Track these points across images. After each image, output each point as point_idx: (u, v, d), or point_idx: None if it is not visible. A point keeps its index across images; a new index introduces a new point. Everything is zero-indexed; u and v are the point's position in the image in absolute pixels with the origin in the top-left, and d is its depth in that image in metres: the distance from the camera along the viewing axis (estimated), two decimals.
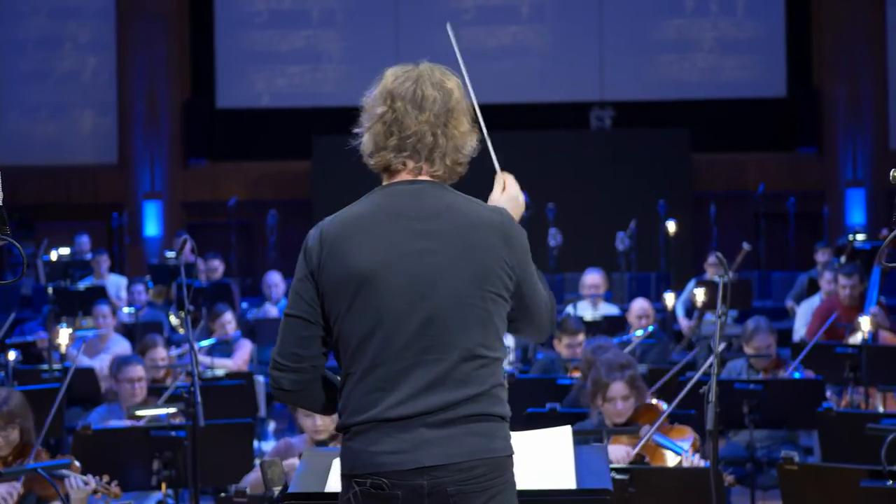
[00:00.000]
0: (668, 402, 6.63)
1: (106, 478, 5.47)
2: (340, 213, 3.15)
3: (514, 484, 3.08)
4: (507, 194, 3.30)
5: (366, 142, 3.20)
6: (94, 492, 5.46)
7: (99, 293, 11.41)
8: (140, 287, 11.99)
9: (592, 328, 9.27)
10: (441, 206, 3.09)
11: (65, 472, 5.34)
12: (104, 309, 9.68)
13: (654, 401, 6.36)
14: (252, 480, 5.67)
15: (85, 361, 8.84)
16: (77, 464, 5.52)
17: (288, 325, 3.11)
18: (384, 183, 3.18)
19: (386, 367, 3.00)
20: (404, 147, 3.11)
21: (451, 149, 3.12)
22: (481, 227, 3.08)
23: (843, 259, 12.53)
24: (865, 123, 17.81)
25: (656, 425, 5.77)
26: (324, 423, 5.68)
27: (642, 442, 5.76)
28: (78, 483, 5.34)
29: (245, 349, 9.92)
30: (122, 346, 9.44)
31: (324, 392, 3.15)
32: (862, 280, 9.74)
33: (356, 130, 3.22)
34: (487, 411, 3.03)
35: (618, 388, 6.03)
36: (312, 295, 3.08)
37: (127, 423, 6.44)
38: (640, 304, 9.61)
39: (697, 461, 5.73)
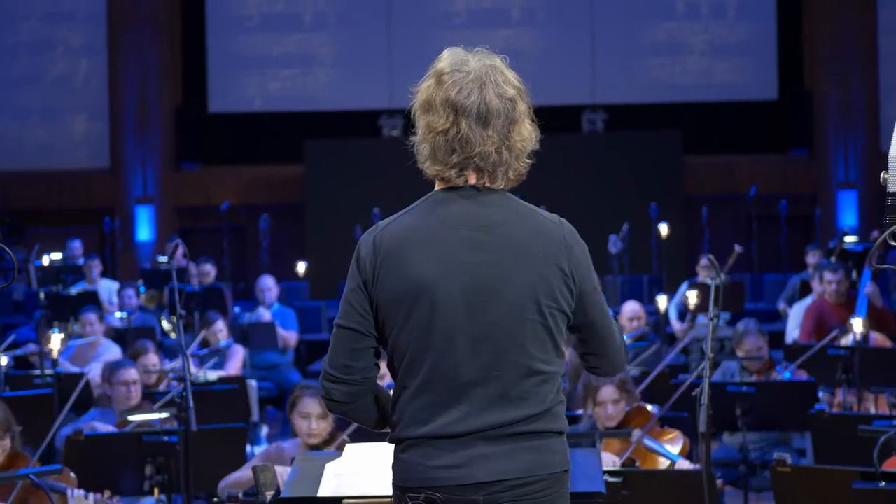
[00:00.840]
0: (661, 404, 6.65)
1: (107, 493, 5.46)
2: (396, 220, 3.02)
3: (568, 498, 3.03)
4: None
5: (424, 151, 3.00)
6: None
7: (91, 298, 11.39)
8: (131, 291, 11.98)
9: None
10: (501, 216, 3.00)
11: (63, 485, 5.33)
12: (91, 316, 9.65)
13: (649, 407, 6.37)
14: (235, 479, 5.66)
15: (72, 370, 8.83)
16: (72, 475, 5.51)
17: (340, 336, 2.99)
18: (439, 187, 3.05)
19: (443, 383, 2.92)
20: (468, 165, 2.97)
21: (514, 159, 3.02)
22: (542, 238, 3.00)
23: (833, 261, 12.55)
24: (857, 125, 17.84)
25: (646, 428, 5.78)
26: (319, 427, 5.68)
27: (631, 447, 5.76)
28: (78, 494, 5.33)
29: (237, 357, 9.91)
30: (112, 353, 9.42)
31: (376, 407, 3.06)
32: (847, 276, 9.78)
33: (411, 138, 3.05)
34: (546, 429, 2.97)
35: (608, 391, 6.04)
36: (366, 306, 2.97)
37: (108, 429, 6.42)
38: (631, 307, 9.62)
39: (688, 466, 5.73)
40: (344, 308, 3.00)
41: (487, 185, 3.01)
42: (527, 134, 3.06)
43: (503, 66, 3.10)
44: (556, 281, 2.97)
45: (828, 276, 9.71)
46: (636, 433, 5.89)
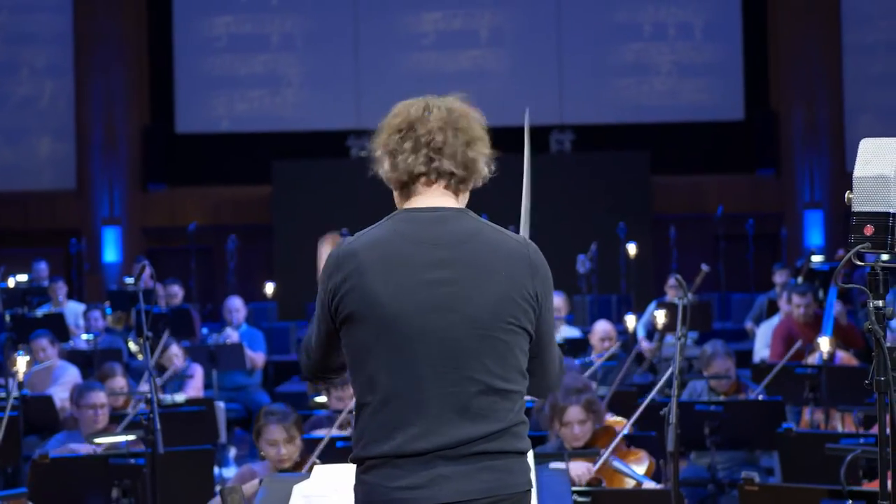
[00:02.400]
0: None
1: None
2: (362, 236, 3.05)
3: None
4: None
5: (383, 161, 3.09)
6: None
7: (57, 320, 11.31)
8: (97, 313, 11.90)
9: None
10: (465, 234, 3.04)
11: None
12: (43, 342, 9.51)
13: (616, 418, 6.38)
14: None
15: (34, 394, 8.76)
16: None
17: (315, 336, 3.11)
18: (405, 206, 3.09)
19: (402, 400, 2.93)
20: (419, 146, 3.03)
21: (461, 151, 3.09)
22: (506, 258, 3.03)
23: (800, 280, 12.63)
24: (822, 146, 17.96)
25: (612, 446, 5.77)
26: (287, 452, 5.65)
27: (599, 462, 5.76)
28: None
29: (197, 376, 9.85)
30: (70, 374, 9.33)
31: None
32: (815, 298, 9.85)
33: (377, 169, 3.12)
34: (507, 448, 2.97)
35: (574, 412, 6.03)
36: (329, 320, 3.04)
37: (83, 448, 6.37)
38: (602, 327, 9.63)
39: (654, 487, 5.74)
40: (316, 314, 3.09)
41: (440, 176, 3.06)
42: (474, 136, 3.16)
43: (457, 100, 3.22)
44: (519, 300, 3.00)
45: (796, 299, 9.77)
46: (604, 454, 5.89)
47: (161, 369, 9.67)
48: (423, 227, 3.02)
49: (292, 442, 5.67)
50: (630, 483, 5.76)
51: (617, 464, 5.79)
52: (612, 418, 6.54)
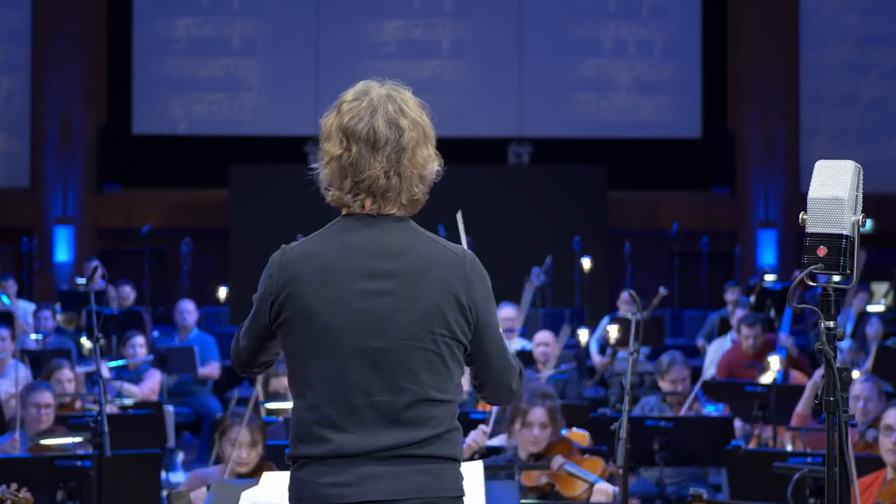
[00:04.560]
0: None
1: (14, 485, 5.36)
2: (302, 243, 3.10)
3: None
4: None
5: (324, 178, 3.12)
6: (3, 500, 5.35)
7: (6, 319, 11.18)
8: (47, 313, 11.78)
9: None
10: (402, 244, 3.05)
11: None
12: (3, 332, 9.48)
13: (574, 429, 6.41)
14: None
15: None
16: None
17: (249, 331, 3.16)
18: (345, 213, 3.12)
19: (335, 407, 2.98)
20: (359, 190, 3.05)
21: (406, 188, 3.06)
22: (440, 268, 3.04)
23: (752, 299, 12.71)
24: (777, 165, 18.11)
25: (561, 461, 5.80)
26: (248, 457, 5.62)
27: (557, 466, 5.78)
28: None
29: (154, 379, 9.78)
30: (22, 373, 9.24)
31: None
32: (764, 329, 9.90)
33: (314, 165, 3.15)
34: (438, 454, 3.01)
35: (538, 413, 6.06)
36: (266, 318, 3.10)
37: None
38: (542, 335, 9.65)
39: (608, 487, 5.77)
40: (253, 310, 3.14)
41: (381, 211, 3.05)
42: (421, 161, 3.08)
43: (406, 97, 3.16)
44: (452, 311, 3.02)
45: (745, 330, 9.83)
46: (557, 459, 5.92)
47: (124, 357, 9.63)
48: (361, 237, 3.05)
49: (254, 447, 5.64)
50: (583, 486, 5.79)
51: (569, 467, 5.82)
52: (576, 431, 6.59)
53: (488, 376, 3.14)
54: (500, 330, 3.16)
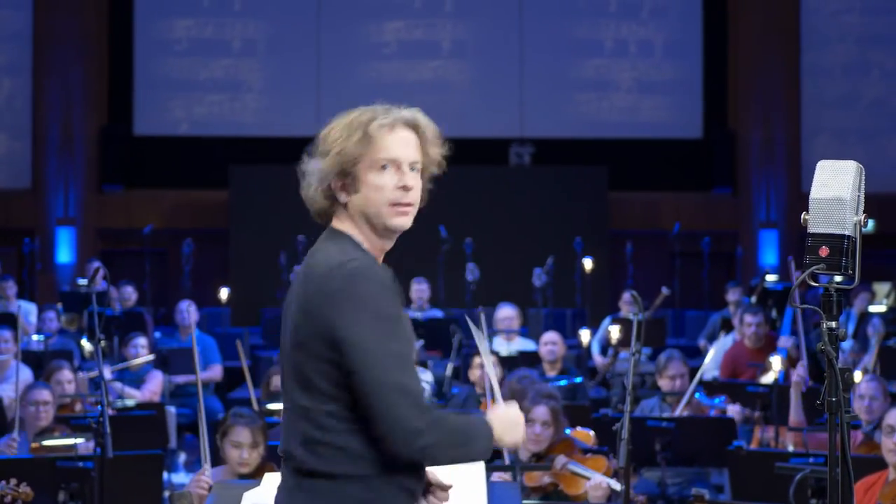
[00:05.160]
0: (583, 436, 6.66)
1: (13, 480, 5.36)
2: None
3: None
4: (507, 416, 3.10)
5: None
6: (3, 495, 5.36)
7: (7, 319, 11.18)
8: (52, 314, 11.78)
9: (507, 363, 9.28)
10: (312, 255, 3.05)
11: None
12: (6, 334, 9.48)
13: (579, 428, 6.41)
14: None
15: None
16: None
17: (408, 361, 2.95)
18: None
19: None
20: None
21: (307, 191, 3.09)
22: (311, 281, 2.97)
23: (753, 299, 12.70)
24: (779, 166, 18.11)
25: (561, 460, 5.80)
26: (250, 457, 5.59)
27: (560, 465, 5.79)
28: None
29: (156, 381, 9.78)
30: (23, 375, 9.24)
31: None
32: (767, 320, 9.89)
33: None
34: (305, 468, 2.96)
35: (540, 411, 6.08)
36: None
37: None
38: (549, 336, 9.65)
39: (604, 482, 5.78)
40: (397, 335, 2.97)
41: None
42: (311, 168, 3.10)
43: (347, 114, 3.12)
44: (308, 323, 2.94)
45: (748, 318, 9.81)
46: (560, 458, 5.92)
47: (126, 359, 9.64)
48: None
49: (256, 448, 5.62)
50: (586, 484, 5.79)
51: (572, 466, 5.82)
52: (581, 430, 6.59)
53: (369, 407, 2.88)
54: (385, 356, 2.87)
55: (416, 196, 3.06)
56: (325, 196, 3.06)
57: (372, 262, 2.99)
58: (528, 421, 6.08)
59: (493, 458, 6.08)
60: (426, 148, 3.12)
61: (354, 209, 3.04)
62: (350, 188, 3.04)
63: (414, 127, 3.12)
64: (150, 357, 9.86)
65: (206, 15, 18.62)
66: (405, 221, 3.05)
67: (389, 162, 3.03)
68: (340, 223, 3.06)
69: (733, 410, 7.90)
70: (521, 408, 6.13)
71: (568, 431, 6.44)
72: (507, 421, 3.08)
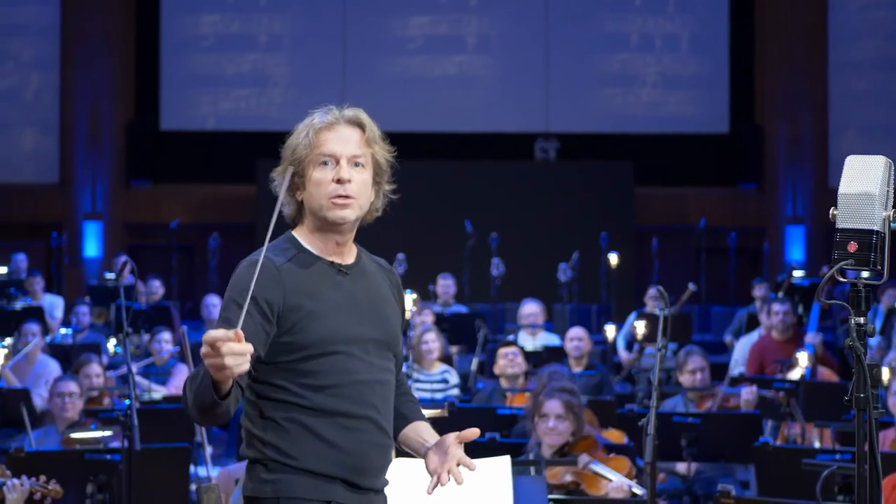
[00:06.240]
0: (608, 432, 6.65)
1: (43, 478, 5.41)
2: None
3: None
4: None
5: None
6: (33, 492, 5.40)
7: (36, 313, 11.26)
8: (84, 308, 11.82)
9: (532, 358, 9.28)
10: None
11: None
12: (34, 328, 9.54)
13: (611, 429, 6.39)
14: None
15: (15, 385, 8.72)
16: (8, 472, 5.46)
17: None
18: None
19: None
20: None
21: None
22: None
23: (780, 295, 12.66)
24: (805, 161, 18.03)
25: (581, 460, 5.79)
26: None
27: (582, 465, 5.78)
28: (13, 482, 5.28)
29: (182, 375, 9.80)
30: (50, 369, 9.29)
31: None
32: (795, 310, 9.86)
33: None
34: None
35: (553, 405, 6.08)
36: None
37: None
38: (575, 331, 9.65)
39: (635, 487, 5.77)
40: None
41: None
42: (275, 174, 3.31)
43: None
44: None
45: (776, 307, 9.79)
46: (583, 458, 5.92)
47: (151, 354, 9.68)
48: None
49: None
50: (608, 485, 5.79)
51: (594, 466, 5.82)
52: (612, 431, 6.56)
53: None
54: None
55: (354, 189, 3.18)
56: (290, 200, 3.26)
57: (267, 260, 3.13)
58: (541, 416, 6.09)
59: (517, 454, 6.09)
60: (371, 146, 3.25)
61: (306, 208, 3.24)
62: (301, 187, 3.24)
63: (357, 124, 3.30)
64: (174, 349, 9.87)
65: (233, 10, 18.68)
66: (342, 214, 3.17)
67: (328, 157, 3.20)
68: (299, 226, 3.27)
69: (750, 392, 7.83)
70: (536, 403, 6.15)
71: (599, 435, 6.42)
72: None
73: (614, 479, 5.77)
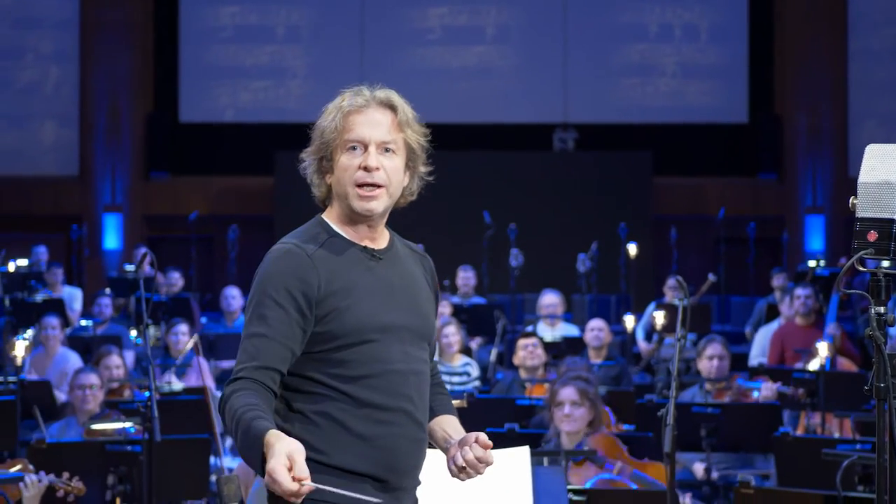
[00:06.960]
0: (627, 422, 6.64)
1: (66, 475, 5.43)
2: None
3: None
4: (273, 465, 2.84)
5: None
6: (55, 489, 5.43)
7: (56, 305, 11.31)
8: (106, 300, 11.86)
9: (552, 349, 9.28)
10: None
11: (18, 473, 5.32)
12: (53, 321, 9.57)
13: (646, 460, 6.28)
14: None
15: (34, 377, 8.76)
16: (31, 467, 5.48)
17: None
18: None
19: None
20: None
21: None
22: None
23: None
24: (825, 151, 17.97)
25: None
26: None
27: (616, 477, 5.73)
28: (31, 479, 5.31)
29: (204, 370, 9.82)
30: (70, 361, 9.33)
31: None
32: (817, 295, 9.84)
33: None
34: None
35: (567, 392, 6.09)
36: None
37: None
38: (595, 322, 9.64)
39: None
40: None
41: None
42: (305, 156, 3.20)
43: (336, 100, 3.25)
44: None
45: (798, 291, 9.78)
46: (619, 465, 5.87)
47: (168, 350, 9.70)
48: None
49: None
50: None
51: (636, 474, 5.78)
52: (649, 463, 6.42)
53: None
54: (248, 329, 3.05)
55: (383, 177, 3.05)
56: (319, 183, 3.13)
57: (299, 249, 3.03)
58: (557, 404, 6.10)
59: (536, 445, 6.09)
60: (403, 129, 3.09)
61: (334, 193, 3.10)
62: (329, 171, 3.10)
63: (389, 107, 3.11)
64: (190, 354, 9.89)
65: (251, 2, 18.69)
66: (369, 206, 3.05)
67: (357, 142, 3.06)
68: (329, 209, 3.13)
69: (769, 388, 7.83)
70: (552, 392, 6.14)
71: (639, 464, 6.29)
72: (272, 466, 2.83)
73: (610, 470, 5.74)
